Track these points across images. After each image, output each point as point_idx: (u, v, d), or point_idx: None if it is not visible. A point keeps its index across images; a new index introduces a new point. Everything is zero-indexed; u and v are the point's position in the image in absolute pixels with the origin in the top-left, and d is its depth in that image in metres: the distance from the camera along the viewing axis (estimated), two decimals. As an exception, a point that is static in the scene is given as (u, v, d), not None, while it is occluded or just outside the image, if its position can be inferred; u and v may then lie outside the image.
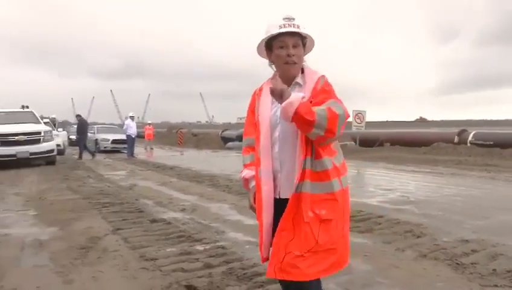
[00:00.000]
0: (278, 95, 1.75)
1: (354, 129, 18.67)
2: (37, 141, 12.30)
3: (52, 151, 12.77)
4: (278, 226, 1.84)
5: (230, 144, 24.35)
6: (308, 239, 1.79)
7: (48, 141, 12.58)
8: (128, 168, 12.36)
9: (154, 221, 5.18)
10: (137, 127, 19.29)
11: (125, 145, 19.71)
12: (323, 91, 1.84)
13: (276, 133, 1.92)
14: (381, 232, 4.65)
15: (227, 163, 13.54)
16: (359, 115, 18.49)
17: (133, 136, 17.17)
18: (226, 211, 5.86)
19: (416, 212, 5.71)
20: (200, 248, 4.06)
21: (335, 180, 1.84)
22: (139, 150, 19.49)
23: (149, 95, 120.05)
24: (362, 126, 18.53)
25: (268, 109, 1.95)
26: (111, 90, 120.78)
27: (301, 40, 1.92)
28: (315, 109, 1.72)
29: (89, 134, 22.64)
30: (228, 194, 7.22)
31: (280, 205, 1.88)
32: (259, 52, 2.01)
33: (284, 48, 1.89)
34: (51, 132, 12.94)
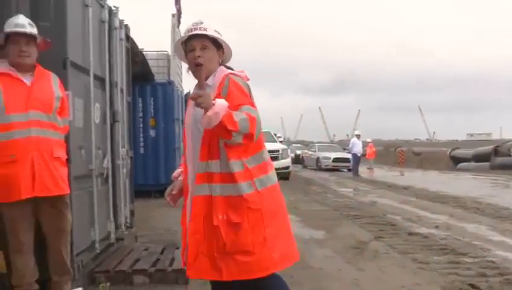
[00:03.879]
0: (201, 103, 1.87)
1: None
2: (276, 158, 14.96)
3: (288, 167, 15.32)
4: (189, 229, 2.05)
5: (463, 164, 23.09)
6: (219, 242, 1.99)
7: (284, 158, 15.18)
8: (358, 186, 13.66)
9: (411, 234, 6.04)
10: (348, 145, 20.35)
11: (347, 164, 21.37)
12: (231, 93, 2.00)
13: (192, 138, 2.13)
14: None
15: (467, 185, 13.25)
16: None
17: (359, 155, 18.49)
18: (485, 231, 6.22)
19: None
20: (467, 260, 4.69)
21: (245, 183, 2.00)
22: (360, 169, 20.69)
23: (359, 110, 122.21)
24: None
25: (189, 115, 2.18)
26: (319, 108, 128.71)
27: (214, 45, 2.14)
28: (237, 118, 1.89)
29: (309, 152, 25.54)
30: (481, 216, 7.46)
31: None
32: (180, 58, 2.31)
33: (193, 51, 2.11)
34: (286, 149, 15.57)
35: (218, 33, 2.18)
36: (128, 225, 5.22)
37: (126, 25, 5.23)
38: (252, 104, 2.04)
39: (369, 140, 24.56)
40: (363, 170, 20.88)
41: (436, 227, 6.52)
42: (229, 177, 2.00)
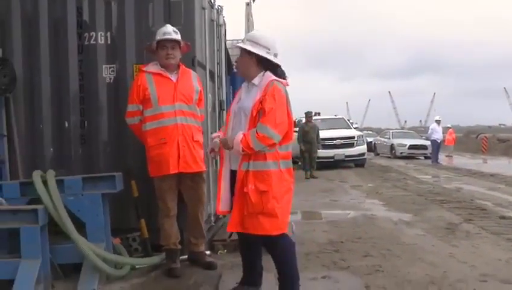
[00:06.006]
0: (224, 145, 3.01)
1: None
2: (351, 145, 15.36)
3: (363, 154, 15.64)
4: (235, 195, 2.93)
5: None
6: (249, 205, 2.83)
7: (360, 145, 15.51)
8: (439, 173, 13.71)
9: (503, 217, 6.32)
10: (423, 132, 19.69)
11: (423, 151, 21.13)
12: (267, 98, 2.86)
13: (234, 120, 3.07)
14: None
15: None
16: None
17: (439, 141, 18.29)
18: None
19: None
20: None
21: (272, 162, 2.86)
22: (439, 157, 20.36)
23: (434, 94, 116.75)
24: None
25: (235, 102, 3.16)
26: (389, 92, 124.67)
27: (248, 53, 2.99)
28: (252, 144, 2.81)
29: (382, 139, 25.44)
30: None
31: (232, 174, 3.02)
32: None
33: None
34: (362, 136, 15.88)
35: (254, 42, 3.00)
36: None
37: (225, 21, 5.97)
38: (274, 109, 2.86)
39: (449, 125, 23.98)
40: (441, 157, 20.58)
41: (529, 212, 6.73)
42: (261, 156, 2.87)
